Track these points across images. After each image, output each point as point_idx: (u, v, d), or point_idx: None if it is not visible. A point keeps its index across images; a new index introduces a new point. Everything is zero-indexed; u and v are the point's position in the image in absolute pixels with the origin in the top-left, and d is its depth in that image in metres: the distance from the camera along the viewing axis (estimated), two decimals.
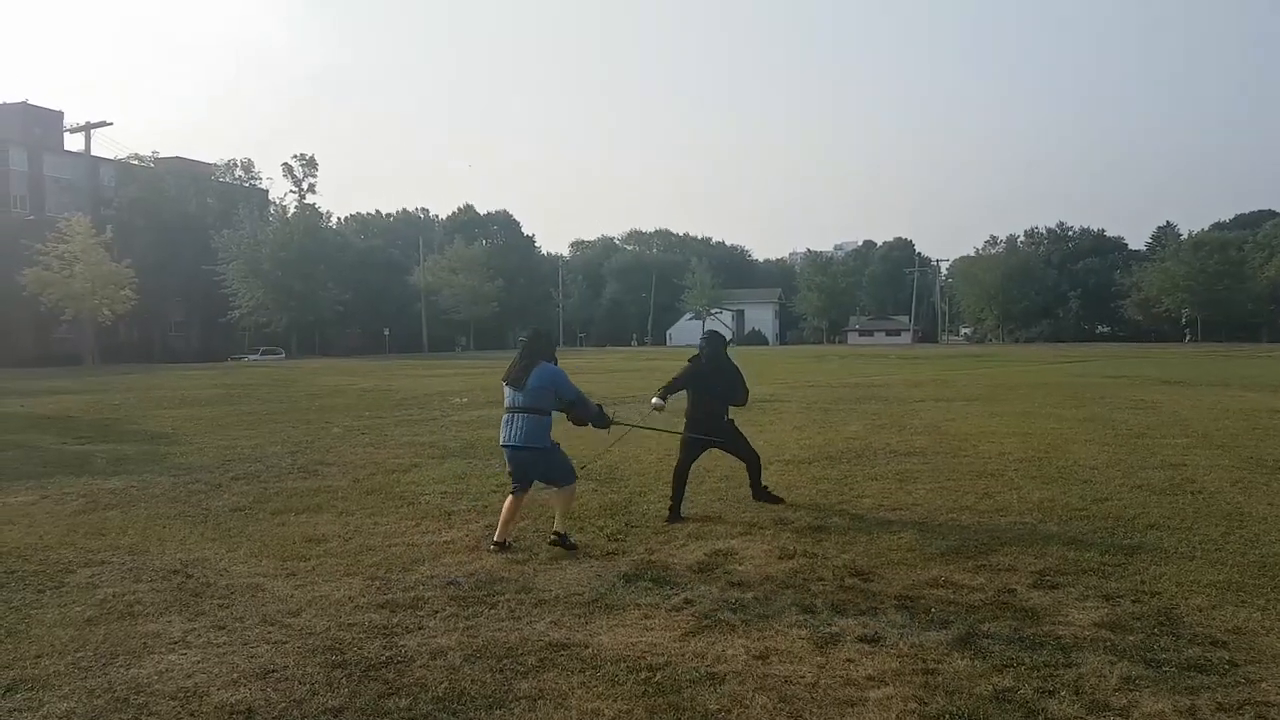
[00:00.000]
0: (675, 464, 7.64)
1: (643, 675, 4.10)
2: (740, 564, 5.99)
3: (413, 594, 5.37)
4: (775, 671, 4.14)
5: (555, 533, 6.47)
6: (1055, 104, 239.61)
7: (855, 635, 4.60)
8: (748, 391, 7.89)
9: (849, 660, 4.26)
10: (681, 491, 7.49)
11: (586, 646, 4.48)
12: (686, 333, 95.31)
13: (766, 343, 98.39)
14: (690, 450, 7.66)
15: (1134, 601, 5.05)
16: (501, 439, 6.58)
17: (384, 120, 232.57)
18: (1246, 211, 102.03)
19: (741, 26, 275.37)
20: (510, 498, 6.58)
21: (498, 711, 3.76)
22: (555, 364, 6.61)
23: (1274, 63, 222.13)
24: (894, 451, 10.64)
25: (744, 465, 7.97)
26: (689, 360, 7.95)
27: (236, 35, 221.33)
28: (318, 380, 27.67)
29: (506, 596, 5.33)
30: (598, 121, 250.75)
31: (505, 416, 6.56)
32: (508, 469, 6.70)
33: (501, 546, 6.38)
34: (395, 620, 4.89)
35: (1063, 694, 3.85)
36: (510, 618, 4.94)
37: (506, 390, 6.57)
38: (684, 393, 7.78)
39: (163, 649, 4.44)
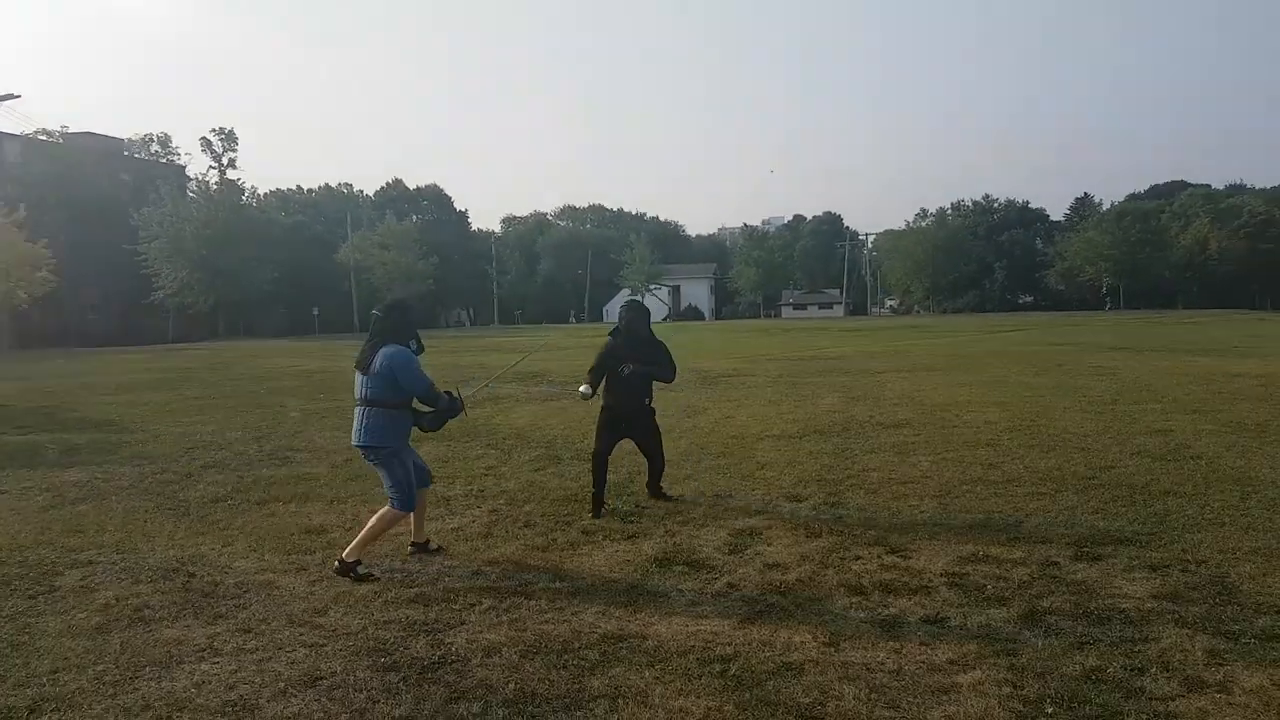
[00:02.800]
0: (592, 450, 6.97)
1: (716, 668, 3.91)
2: (769, 544, 5.82)
3: (440, 586, 5.08)
4: (852, 659, 3.98)
5: (341, 560, 5.30)
6: (975, 79, 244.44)
7: (917, 617, 4.47)
8: (674, 368, 7.08)
9: (923, 644, 4.11)
10: (603, 480, 6.78)
11: (645, 638, 4.27)
12: None
13: (703, 318, 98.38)
14: (605, 436, 6.90)
15: (1183, 571, 5.01)
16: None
17: (307, 89, 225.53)
18: (1161, 182, 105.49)
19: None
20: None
21: (577, 713, 3.52)
22: (413, 345, 5.49)
23: (1179, 38, 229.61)
24: (880, 424, 10.59)
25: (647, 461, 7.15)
26: (609, 334, 7.11)
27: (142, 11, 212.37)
28: (258, 362, 26.72)
29: (540, 586, 5.09)
30: (519, 91, 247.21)
31: (356, 409, 5.54)
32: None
33: (421, 547, 5.77)
34: (433, 615, 4.61)
35: (1153, 671, 3.76)
36: (552, 609, 4.70)
37: (356, 377, 5.55)
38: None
39: (191, 658, 4.08)
